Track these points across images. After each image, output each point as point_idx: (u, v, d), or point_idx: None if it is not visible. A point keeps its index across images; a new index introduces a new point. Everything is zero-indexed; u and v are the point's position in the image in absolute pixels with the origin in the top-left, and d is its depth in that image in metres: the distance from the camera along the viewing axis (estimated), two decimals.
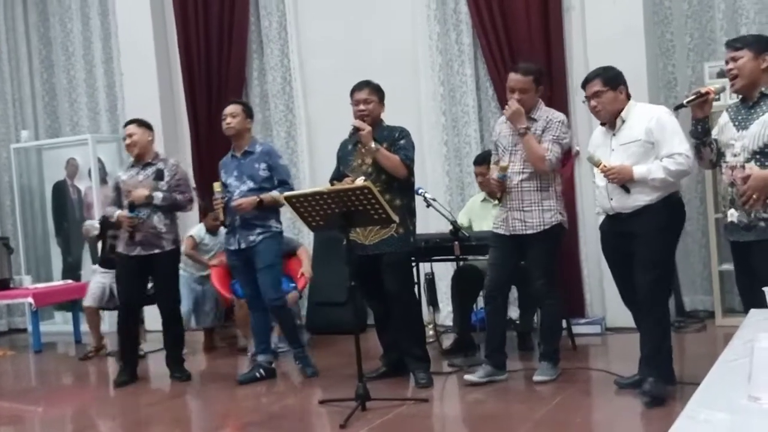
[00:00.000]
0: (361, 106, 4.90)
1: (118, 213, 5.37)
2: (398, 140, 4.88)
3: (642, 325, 4.21)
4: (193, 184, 6.16)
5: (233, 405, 4.93)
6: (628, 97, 4.20)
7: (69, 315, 7.65)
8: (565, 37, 6.22)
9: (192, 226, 6.76)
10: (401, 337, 4.96)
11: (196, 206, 6.02)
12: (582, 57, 6.10)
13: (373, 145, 4.75)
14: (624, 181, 4.04)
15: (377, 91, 4.95)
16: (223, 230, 5.57)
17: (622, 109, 4.15)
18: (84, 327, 7.08)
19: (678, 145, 3.99)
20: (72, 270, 8.05)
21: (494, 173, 4.72)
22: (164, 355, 5.66)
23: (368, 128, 4.78)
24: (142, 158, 5.44)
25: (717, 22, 6.07)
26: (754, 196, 3.59)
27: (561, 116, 4.69)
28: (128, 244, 5.37)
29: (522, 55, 6.20)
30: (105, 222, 6.19)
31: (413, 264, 5.32)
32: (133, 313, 5.57)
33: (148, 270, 5.43)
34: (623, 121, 4.14)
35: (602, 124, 4.26)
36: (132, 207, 5.29)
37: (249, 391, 5.07)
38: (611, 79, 4.16)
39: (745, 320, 2.29)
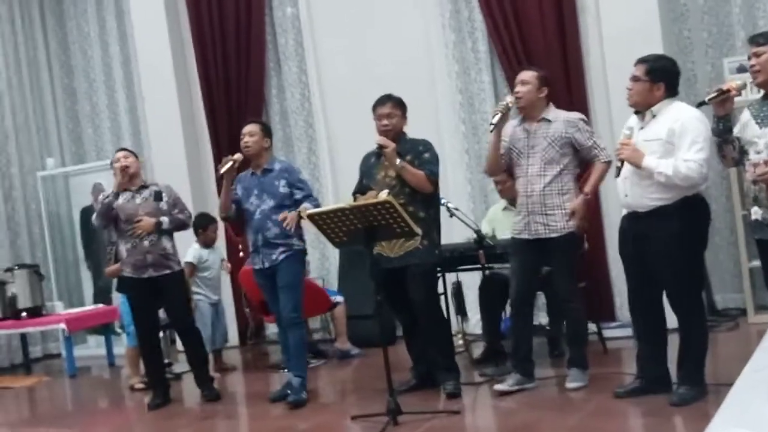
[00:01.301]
0: (384, 121, 4.88)
1: (143, 222, 5.35)
2: (422, 153, 4.86)
3: (648, 333, 4.19)
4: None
5: (265, 423, 4.95)
6: (672, 94, 4.11)
7: (102, 339, 7.72)
8: (581, 38, 6.19)
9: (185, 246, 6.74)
10: (430, 348, 4.95)
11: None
12: (599, 57, 6.07)
13: (398, 162, 4.73)
14: (630, 162, 4.01)
15: (399, 105, 4.94)
16: (218, 245, 5.55)
17: (655, 103, 4.09)
18: (118, 349, 7.14)
19: (694, 153, 3.92)
20: (103, 294, 8.13)
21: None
22: (193, 376, 5.68)
23: (393, 145, 4.76)
24: (134, 182, 5.50)
25: (734, 17, 6.01)
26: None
27: (579, 114, 4.71)
28: (137, 267, 5.40)
29: (539, 58, 6.19)
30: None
31: (439, 275, 5.30)
32: (154, 336, 5.61)
33: (160, 292, 5.46)
34: (653, 116, 4.08)
35: (636, 112, 4.18)
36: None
37: (280, 409, 5.07)
38: (655, 71, 4.07)
39: None
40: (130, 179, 5.48)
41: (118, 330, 7.00)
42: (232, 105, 7.47)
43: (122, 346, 6.78)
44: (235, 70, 7.43)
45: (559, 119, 4.62)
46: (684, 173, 3.92)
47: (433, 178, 4.82)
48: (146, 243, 5.37)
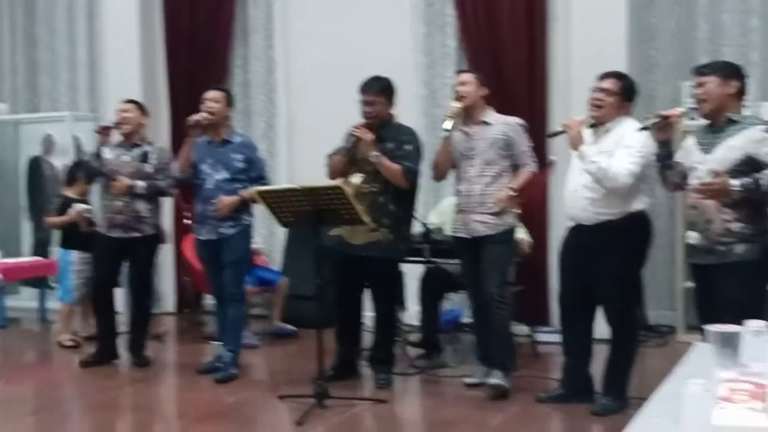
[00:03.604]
0: (367, 108, 4.81)
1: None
2: (404, 144, 4.79)
3: (575, 342, 4.28)
4: None
5: (192, 394, 4.93)
6: (627, 113, 4.21)
7: (35, 291, 7.59)
8: (548, 46, 6.24)
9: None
10: (375, 337, 4.98)
11: None
12: (564, 68, 6.12)
13: (374, 154, 4.68)
14: (571, 139, 4.10)
15: (384, 91, 4.84)
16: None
17: (613, 119, 4.16)
18: (51, 303, 7.04)
19: (627, 162, 4.02)
20: (42, 246, 7.98)
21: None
22: (127, 339, 5.62)
23: (369, 137, 4.70)
24: (129, 138, 5.41)
25: (700, 42, 6.12)
26: (708, 192, 3.61)
27: (519, 120, 4.76)
28: (108, 225, 5.37)
29: (505, 62, 6.23)
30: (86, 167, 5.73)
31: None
32: (107, 294, 5.52)
33: (125, 253, 5.39)
34: (606, 131, 4.16)
35: (592, 125, 4.24)
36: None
37: (209, 381, 5.05)
38: (628, 89, 4.18)
39: (689, 353, 2.33)
40: (126, 135, 5.37)
41: (53, 285, 6.90)
42: (194, 70, 7.36)
43: (56, 301, 6.67)
44: (202, 35, 7.33)
45: (499, 122, 4.68)
46: (614, 173, 4.01)
47: (409, 175, 4.75)
48: (118, 203, 5.30)
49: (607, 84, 4.18)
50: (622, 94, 4.16)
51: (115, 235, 5.34)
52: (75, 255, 6.14)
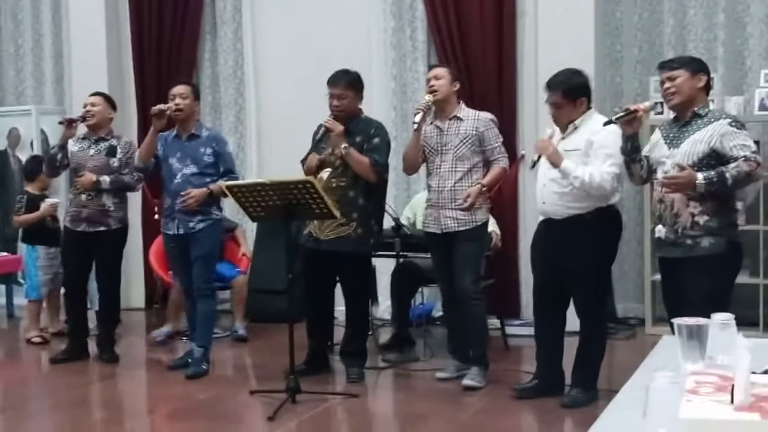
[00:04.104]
0: (335, 102, 4.78)
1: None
2: (372, 138, 4.78)
3: (548, 335, 4.34)
4: None
5: (162, 390, 4.91)
6: (589, 106, 4.25)
7: (1, 288, 7.48)
8: (518, 41, 6.27)
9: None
10: (347, 331, 4.99)
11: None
12: (533, 62, 6.15)
13: (343, 146, 4.67)
14: (551, 160, 4.12)
15: (353, 85, 4.82)
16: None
17: (578, 117, 4.20)
18: (18, 300, 6.95)
19: (608, 166, 4.08)
20: (8, 242, 7.87)
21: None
22: (97, 335, 5.57)
23: (339, 129, 4.69)
24: (96, 131, 5.35)
25: (665, 37, 6.18)
26: (674, 186, 3.66)
27: (491, 115, 4.79)
28: (73, 219, 5.31)
29: (474, 56, 6.26)
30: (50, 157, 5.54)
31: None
32: (79, 291, 5.48)
33: (93, 248, 5.34)
34: (575, 128, 4.20)
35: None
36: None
37: (179, 377, 5.02)
38: (572, 90, 4.21)
39: (657, 346, 2.36)
40: (93, 128, 5.30)
41: (21, 281, 6.82)
42: (162, 63, 7.29)
43: (23, 297, 6.59)
44: (170, 28, 7.25)
45: (470, 118, 4.70)
46: (598, 182, 4.05)
47: (378, 168, 4.74)
48: (84, 197, 5.25)
49: (550, 97, 4.23)
50: (569, 97, 4.18)
51: (81, 229, 5.28)
52: (41, 251, 6.07)
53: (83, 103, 5.46)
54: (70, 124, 5.27)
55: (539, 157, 4.18)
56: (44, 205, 6.00)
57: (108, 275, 5.43)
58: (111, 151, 5.33)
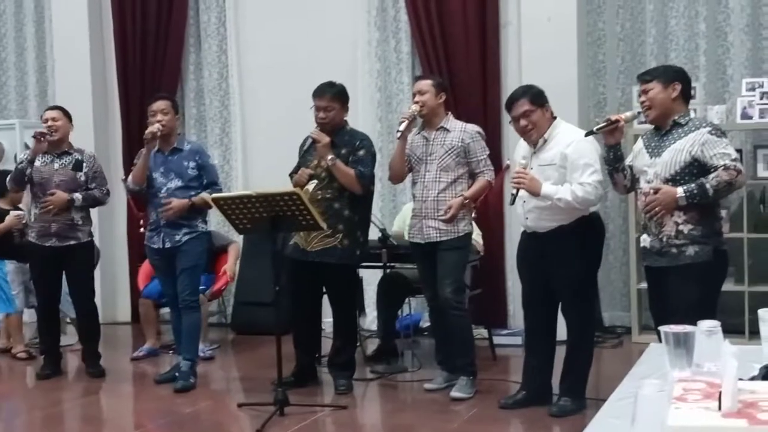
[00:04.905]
0: (321, 114, 4.78)
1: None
2: (358, 150, 4.79)
3: (539, 346, 4.35)
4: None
5: (149, 405, 4.88)
6: (553, 116, 4.28)
7: None
8: (501, 52, 6.31)
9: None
10: (334, 342, 4.98)
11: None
12: (516, 72, 6.18)
13: (329, 157, 4.68)
14: (530, 191, 4.10)
15: (338, 97, 4.83)
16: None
17: (547, 128, 4.22)
18: None
19: (588, 176, 4.08)
20: None
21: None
22: (81, 350, 5.54)
23: (326, 140, 4.70)
24: (58, 146, 5.32)
25: (648, 47, 6.22)
26: (657, 209, 3.68)
27: (477, 127, 4.81)
28: (41, 234, 5.26)
29: (459, 66, 6.29)
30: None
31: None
32: (52, 313, 5.46)
33: (63, 262, 5.31)
34: (545, 141, 4.20)
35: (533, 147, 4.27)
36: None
37: (166, 391, 5.00)
38: (537, 96, 4.22)
39: (644, 354, 2.37)
40: (56, 143, 5.26)
41: None
42: (146, 76, 7.28)
43: None
44: (154, 41, 7.25)
45: (457, 129, 4.72)
46: (582, 197, 4.07)
47: (363, 180, 4.75)
48: (52, 210, 5.20)
49: (522, 109, 4.18)
50: (536, 104, 4.18)
51: (50, 245, 5.25)
52: (9, 265, 5.99)
53: (43, 118, 5.41)
54: (42, 137, 5.21)
55: (518, 191, 4.13)
56: (9, 217, 5.90)
57: (83, 289, 5.42)
58: (77, 166, 5.32)
